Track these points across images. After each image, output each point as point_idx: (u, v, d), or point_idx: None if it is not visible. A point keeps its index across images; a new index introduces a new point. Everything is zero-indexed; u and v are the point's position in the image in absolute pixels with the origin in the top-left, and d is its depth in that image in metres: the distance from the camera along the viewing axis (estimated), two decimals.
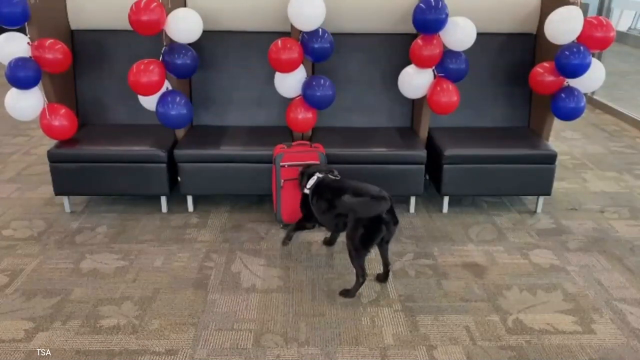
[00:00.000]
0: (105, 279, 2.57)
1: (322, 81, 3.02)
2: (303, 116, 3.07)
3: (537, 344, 2.17)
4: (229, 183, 3.16)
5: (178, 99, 2.97)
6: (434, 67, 3.05)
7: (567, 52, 2.87)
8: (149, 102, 3.04)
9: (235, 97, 3.45)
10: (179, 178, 3.14)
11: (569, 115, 3.06)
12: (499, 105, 3.50)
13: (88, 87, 3.42)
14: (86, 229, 3.02)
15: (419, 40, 2.98)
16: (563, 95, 3.03)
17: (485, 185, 3.19)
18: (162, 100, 2.95)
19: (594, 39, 2.88)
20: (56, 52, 2.97)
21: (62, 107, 3.09)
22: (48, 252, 2.80)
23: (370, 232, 2.36)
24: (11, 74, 2.86)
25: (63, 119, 3.05)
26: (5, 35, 2.93)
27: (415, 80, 3.10)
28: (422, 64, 3.02)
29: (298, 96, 3.08)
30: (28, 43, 2.92)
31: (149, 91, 2.90)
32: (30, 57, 2.92)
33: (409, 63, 3.10)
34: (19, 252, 2.79)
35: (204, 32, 3.02)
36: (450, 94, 3.01)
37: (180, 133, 3.23)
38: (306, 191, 2.72)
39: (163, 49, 2.96)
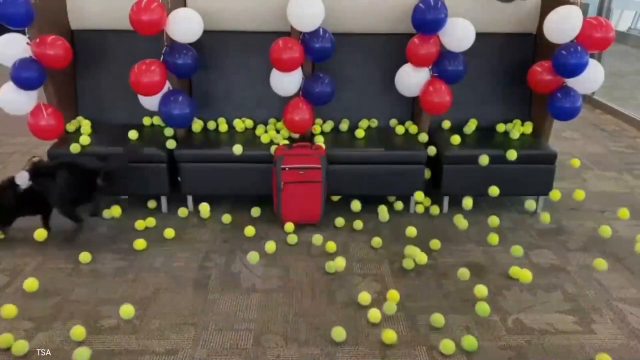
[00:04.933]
0: (105, 279, 2.57)
1: (321, 78, 3.02)
2: (300, 117, 3.07)
3: (537, 344, 2.17)
4: (229, 183, 3.16)
5: (181, 98, 2.98)
6: (430, 67, 3.05)
7: (564, 52, 2.88)
8: (149, 102, 3.04)
9: (235, 97, 3.45)
10: (179, 178, 3.14)
11: (565, 115, 3.06)
12: (499, 105, 3.50)
13: (88, 86, 3.42)
14: (86, 229, 3.02)
15: (415, 40, 2.99)
16: (559, 95, 3.03)
17: (485, 185, 3.19)
18: (164, 100, 2.96)
19: (594, 39, 2.88)
20: (57, 48, 2.97)
21: (49, 106, 3.08)
22: (48, 252, 2.80)
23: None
24: (16, 75, 2.87)
25: (50, 119, 3.03)
26: (4, 36, 2.93)
27: (411, 79, 3.11)
28: (418, 63, 3.02)
29: (295, 95, 3.08)
30: (27, 43, 2.92)
31: (150, 91, 2.91)
32: (33, 57, 2.92)
33: None
34: (19, 252, 2.79)
35: (205, 32, 3.02)
36: (443, 94, 3.01)
37: (180, 133, 3.23)
38: (24, 186, 2.74)
39: (164, 49, 2.97)
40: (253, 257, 2.69)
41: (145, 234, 2.97)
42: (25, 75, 2.88)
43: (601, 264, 2.67)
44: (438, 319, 2.26)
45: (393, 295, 2.38)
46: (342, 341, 2.16)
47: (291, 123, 3.09)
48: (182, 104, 2.99)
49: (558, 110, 3.05)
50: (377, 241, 2.85)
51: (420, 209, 3.21)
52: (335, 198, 3.23)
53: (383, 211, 3.09)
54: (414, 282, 2.56)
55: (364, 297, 2.38)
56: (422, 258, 2.69)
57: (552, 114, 3.11)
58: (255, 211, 3.14)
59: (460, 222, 3.01)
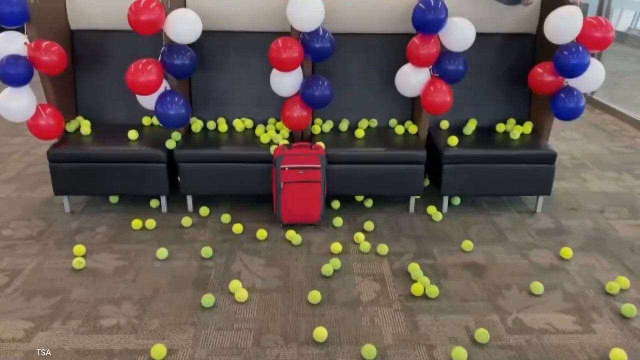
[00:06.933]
0: (105, 279, 2.57)
1: (320, 81, 3.03)
2: (298, 114, 3.07)
3: (537, 343, 2.17)
4: (229, 183, 3.16)
5: (177, 99, 2.97)
6: (430, 67, 3.05)
7: (565, 52, 2.88)
8: (148, 101, 3.03)
9: (235, 97, 3.45)
10: (178, 178, 3.14)
11: (569, 115, 3.06)
12: (499, 105, 3.50)
13: (88, 87, 3.42)
14: (86, 229, 3.02)
15: (415, 39, 2.99)
16: (562, 95, 3.03)
17: (485, 185, 3.19)
18: (160, 100, 2.95)
19: (594, 39, 2.88)
20: (52, 54, 2.91)
21: (48, 106, 3.04)
22: (48, 252, 2.80)
23: None
24: (2, 70, 2.81)
25: (50, 118, 2.99)
26: (2, 34, 2.91)
27: (411, 79, 3.10)
28: (418, 62, 3.02)
29: (294, 95, 3.09)
30: (25, 43, 2.90)
31: (146, 90, 2.90)
32: (25, 56, 2.87)
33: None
34: (19, 252, 2.78)
35: (204, 32, 3.02)
36: (444, 94, 3.01)
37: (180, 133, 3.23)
38: None
39: (162, 49, 2.96)
40: (161, 252, 2.73)
41: (144, 234, 2.97)
42: (11, 71, 2.80)
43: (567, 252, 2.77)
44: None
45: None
46: (324, 341, 2.15)
47: (289, 120, 3.10)
48: (178, 104, 2.97)
49: (561, 110, 3.05)
50: (365, 246, 2.83)
51: (431, 210, 3.21)
52: (337, 205, 3.24)
53: None
54: (414, 282, 2.56)
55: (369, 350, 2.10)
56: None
57: (555, 114, 3.11)
58: (204, 211, 3.14)
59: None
